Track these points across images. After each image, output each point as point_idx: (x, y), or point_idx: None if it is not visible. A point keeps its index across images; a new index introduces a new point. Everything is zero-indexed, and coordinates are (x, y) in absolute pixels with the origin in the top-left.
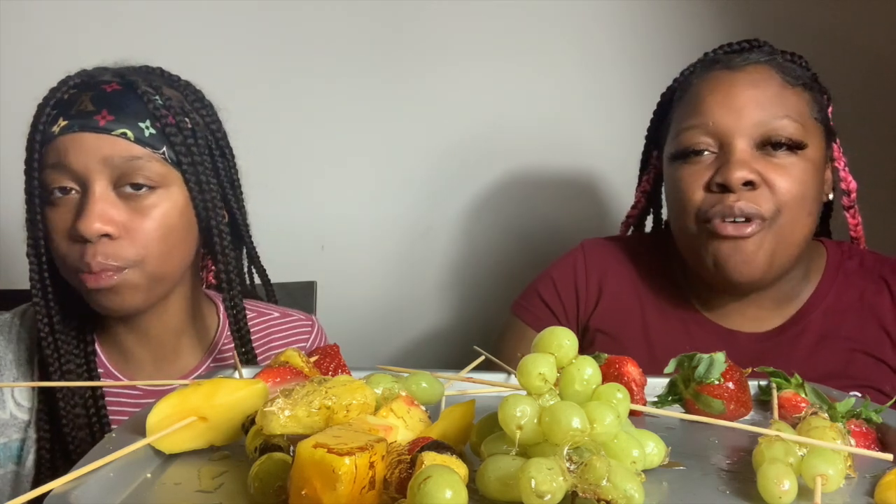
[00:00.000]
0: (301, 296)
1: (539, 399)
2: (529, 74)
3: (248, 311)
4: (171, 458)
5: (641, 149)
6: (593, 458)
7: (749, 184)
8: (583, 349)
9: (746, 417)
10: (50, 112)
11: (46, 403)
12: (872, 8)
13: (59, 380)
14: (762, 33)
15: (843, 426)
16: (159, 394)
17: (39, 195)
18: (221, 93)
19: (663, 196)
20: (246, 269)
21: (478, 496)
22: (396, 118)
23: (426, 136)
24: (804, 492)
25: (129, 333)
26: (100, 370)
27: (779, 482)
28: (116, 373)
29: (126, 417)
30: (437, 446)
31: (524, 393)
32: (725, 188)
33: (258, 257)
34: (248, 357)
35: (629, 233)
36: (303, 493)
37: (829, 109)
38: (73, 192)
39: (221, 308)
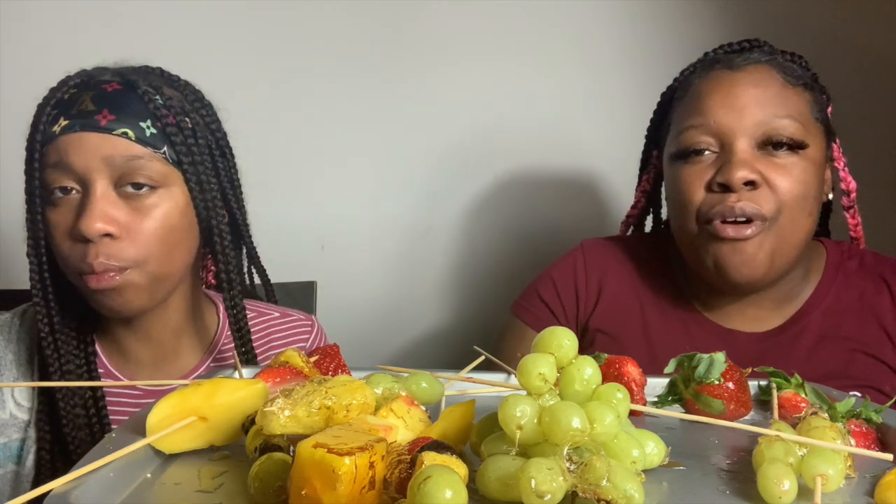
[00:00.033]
0: (301, 296)
1: (539, 399)
2: (529, 74)
3: (248, 311)
4: (171, 458)
5: (641, 149)
6: (593, 458)
7: (750, 183)
8: (583, 349)
9: (746, 417)
10: (50, 112)
11: (46, 403)
12: (872, 8)
13: (59, 380)
14: (762, 33)
15: (843, 426)
16: (159, 394)
17: (40, 195)
18: (221, 93)
19: (663, 196)
20: (246, 269)
21: (478, 496)
22: (396, 118)
23: (426, 136)
24: (804, 492)
25: (129, 333)
26: (100, 370)
27: (779, 482)
28: (116, 373)
29: (126, 417)
30: (437, 446)
31: (524, 393)
32: (726, 188)
33: (258, 257)
34: (248, 357)
35: (629, 232)
36: (303, 493)
37: (829, 109)
38: (74, 191)
39: (221, 308)
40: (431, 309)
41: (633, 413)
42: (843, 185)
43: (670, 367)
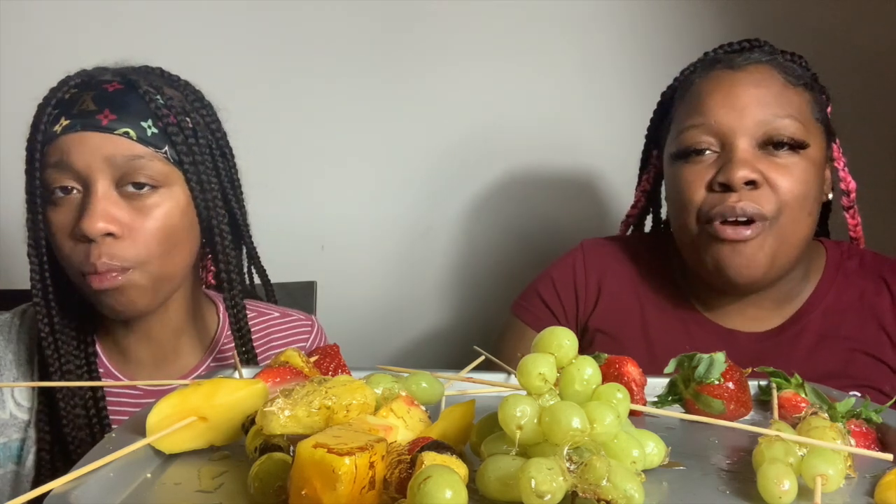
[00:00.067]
0: (301, 296)
1: (539, 399)
2: (529, 74)
3: (247, 311)
4: (171, 458)
5: (641, 149)
6: (593, 458)
7: (751, 183)
8: (582, 349)
9: (746, 417)
10: (51, 112)
11: (46, 404)
12: (872, 8)
13: (59, 380)
14: (762, 33)
15: (843, 426)
16: (159, 394)
17: (41, 195)
18: (221, 93)
19: (663, 196)
20: (246, 269)
21: (478, 496)
22: (396, 118)
23: (426, 136)
24: (804, 492)
25: (129, 334)
26: (100, 370)
27: (779, 482)
28: (116, 373)
29: (126, 417)
30: (437, 446)
31: (524, 393)
32: (727, 188)
33: (258, 257)
34: (248, 357)
35: (629, 232)
36: (303, 493)
37: (829, 109)
38: (75, 191)
39: (221, 308)
40: (431, 309)
41: (633, 413)
42: (842, 185)
43: (670, 367)
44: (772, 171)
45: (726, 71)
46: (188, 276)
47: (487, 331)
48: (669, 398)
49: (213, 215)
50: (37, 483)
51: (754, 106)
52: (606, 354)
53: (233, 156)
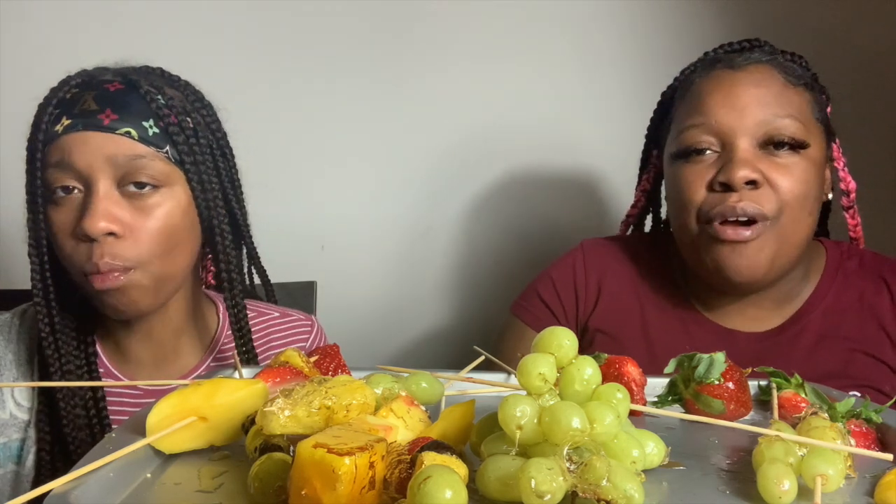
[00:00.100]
0: (301, 296)
1: (539, 399)
2: (529, 74)
3: (247, 311)
4: (171, 458)
5: (641, 148)
6: (593, 458)
7: (752, 183)
8: (582, 349)
9: (746, 417)
10: (53, 111)
11: (46, 404)
12: (872, 8)
13: (59, 380)
14: (762, 33)
15: (843, 426)
16: (159, 394)
17: (42, 194)
18: (221, 93)
19: (663, 195)
20: (246, 269)
21: (478, 496)
22: (396, 118)
23: (426, 136)
24: (804, 492)
25: (129, 334)
26: (100, 370)
27: (779, 482)
28: (117, 373)
29: (126, 417)
30: (437, 446)
31: (524, 393)
32: (728, 187)
33: (258, 257)
34: (248, 357)
35: (629, 232)
36: (303, 493)
37: (828, 109)
38: (76, 191)
39: (221, 308)
40: (431, 309)
41: (633, 413)
42: (842, 185)
43: (670, 367)
44: (772, 171)
45: (727, 71)
46: (189, 276)
47: (487, 331)
48: (669, 398)
49: (214, 215)
50: (37, 483)
51: (755, 106)
52: (606, 354)
53: (233, 156)
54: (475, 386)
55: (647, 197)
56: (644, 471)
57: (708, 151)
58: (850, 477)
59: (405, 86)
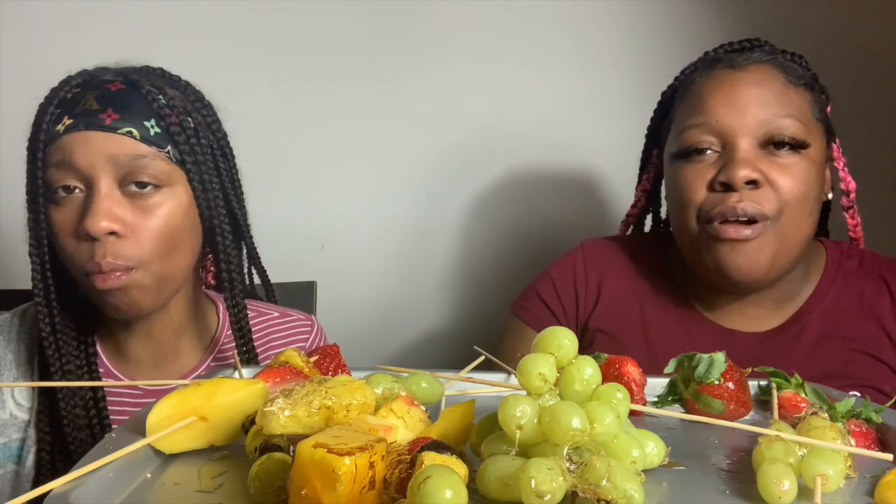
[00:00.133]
0: (301, 296)
1: (539, 399)
2: (529, 74)
3: (248, 311)
4: (171, 458)
5: (641, 148)
6: (593, 458)
7: (752, 183)
8: (582, 349)
9: (746, 417)
10: (54, 111)
11: (47, 404)
12: (872, 8)
13: (59, 380)
14: (762, 33)
15: (843, 426)
16: (159, 394)
17: (43, 194)
18: (221, 93)
19: (663, 195)
20: (246, 269)
21: (478, 496)
22: (396, 118)
23: (426, 136)
24: (804, 492)
25: (129, 334)
26: (100, 370)
27: (779, 482)
28: (117, 373)
29: (126, 417)
30: (437, 446)
31: (524, 393)
32: (729, 187)
33: (258, 257)
34: (248, 357)
35: (629, 232)
36: (303, 493)
37: (828, 109)
38: (78, 190)
39: (221, 308)
40: (431, 309)
41: (633, 413)
42: (842, 185)
43: (670, 367)
44: (773, 171)
45: (727, 70)
46: (189, 276)
47: (487, 331)
48: (669, 398)
49: (215, 215)
50: (37, 483)
51: (755, 105)
52: (606, 354)
53: (233, 156)
54: (475, 386)
55: (648, 197)
56: (644, 471)
57: (708, 151)
58: (850, 477)
59: (405, 86)
